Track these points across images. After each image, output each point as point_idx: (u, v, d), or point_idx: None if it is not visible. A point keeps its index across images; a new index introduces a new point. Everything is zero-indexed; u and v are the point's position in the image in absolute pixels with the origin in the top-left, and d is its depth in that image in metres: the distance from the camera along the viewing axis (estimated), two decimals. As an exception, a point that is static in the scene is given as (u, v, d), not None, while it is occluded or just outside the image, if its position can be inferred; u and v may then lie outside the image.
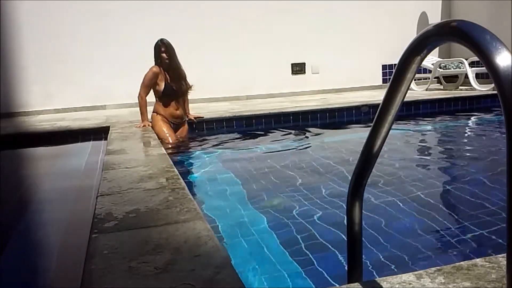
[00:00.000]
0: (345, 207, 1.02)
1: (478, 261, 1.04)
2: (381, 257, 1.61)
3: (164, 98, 4.15)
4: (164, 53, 4.11)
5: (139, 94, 4.14)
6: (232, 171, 3.07)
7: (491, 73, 0.62)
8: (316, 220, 2.01)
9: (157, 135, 3.89)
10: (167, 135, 4.08)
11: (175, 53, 4.18)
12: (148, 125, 4.14)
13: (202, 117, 4.70)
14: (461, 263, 1.04)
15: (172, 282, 1.02)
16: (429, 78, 6.92)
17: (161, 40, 4.18)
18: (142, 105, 4.16)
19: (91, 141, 4.35)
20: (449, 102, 5.62)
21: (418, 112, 5.35)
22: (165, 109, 4.16)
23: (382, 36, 7.71)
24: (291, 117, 5.00)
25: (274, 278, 1.52)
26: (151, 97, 4.21)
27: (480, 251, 1.65)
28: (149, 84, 4.12)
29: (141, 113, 4.22)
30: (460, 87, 6.91)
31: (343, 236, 1.31)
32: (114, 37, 6.60)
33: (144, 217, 1.52)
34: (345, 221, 1.02)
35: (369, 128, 0.92)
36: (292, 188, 2.58)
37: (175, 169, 2.26)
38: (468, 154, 3.51)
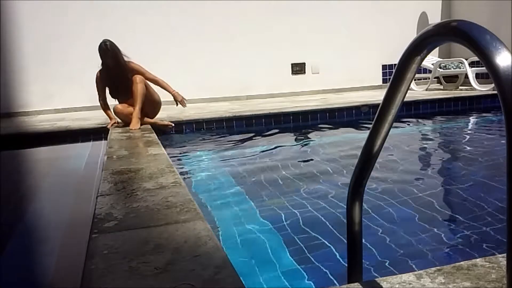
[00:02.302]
0: (345, 207, 1.02)
1: (478, 261, 1.04)
2: (381, 257, 1.61)
3: (114, 96, 4.39)
4: (109, 58, 4.12)
5: (98, 99, 4.40)
6: (232, 171, 3.07)
7: (491, 73, 0.62)
8: (316, 220, 2.01)
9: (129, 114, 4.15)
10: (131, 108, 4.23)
11: (119, 54, 4.20)
12: (116, 122, 4.34)
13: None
14: (461, 263, 1.04)
15: (172, 282, 1.02)
16: (429, 78, 6.92)
17: (105, 44, 4.16)
18: (103, 108, 4.42)
19: (91, 141, 4.36)
20: (449, 102, 5.62)
21: (418, 112, 5.34)
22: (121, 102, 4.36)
23: (382, 36, 7.71)
24: (291, 117, 5.00)
25: (274, 277, 1.52)
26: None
27: (480, 251, 1.65)
28: (98, 88, 4.37)
29: (106, 115, 4.46)
30: (460, 87, 6.90)
31: (343, 236, 1.31)
32: (114, 37, 6.56)
33: (144, 217, 1.52)
34: (345, 221, 1.02)
35: (369, 128, 0.92)
36: (292, 188, 2.58)
37: (175, 169, 2.26)
38: (468, 154, 3.50)
